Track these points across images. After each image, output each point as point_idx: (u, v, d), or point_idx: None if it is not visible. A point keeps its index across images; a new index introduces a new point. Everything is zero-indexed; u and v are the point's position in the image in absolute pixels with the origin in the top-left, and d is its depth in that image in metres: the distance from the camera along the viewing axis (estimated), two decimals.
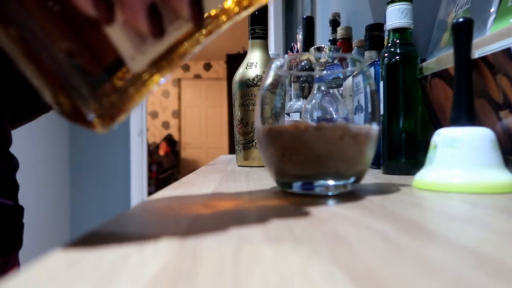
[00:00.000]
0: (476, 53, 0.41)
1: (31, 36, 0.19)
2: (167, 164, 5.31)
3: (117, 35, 0.20)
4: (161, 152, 5.38)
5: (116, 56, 0.21)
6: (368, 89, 0.33)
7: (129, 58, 0.21)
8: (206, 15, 0.23)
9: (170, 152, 5.46)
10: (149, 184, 3.13)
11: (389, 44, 0.52)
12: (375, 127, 0.32)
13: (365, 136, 0.30)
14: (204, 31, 0.23)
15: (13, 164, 0.50)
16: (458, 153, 0.33)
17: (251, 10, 0.24)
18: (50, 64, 0.19)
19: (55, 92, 0.20)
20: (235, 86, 0.71)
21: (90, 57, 0.20)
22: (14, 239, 0.48)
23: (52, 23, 0.19)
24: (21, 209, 0.49)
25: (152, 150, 5.18)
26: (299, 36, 1.25)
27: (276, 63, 0.34)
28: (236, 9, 0.24)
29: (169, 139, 5.59)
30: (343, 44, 0.89)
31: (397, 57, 0.50)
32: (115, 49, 0.21)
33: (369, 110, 0.33)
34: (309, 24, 0.95)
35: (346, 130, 0.30)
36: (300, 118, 0.64)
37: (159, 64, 0.22)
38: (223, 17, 0.24)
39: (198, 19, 0.21)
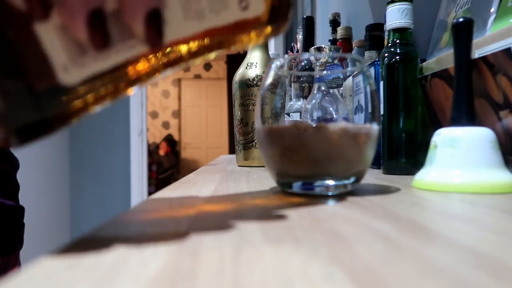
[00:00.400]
0: (476, 53, 0.41)
1: None
2: (167, 164, 5.31)
3: (51, 39, 0.17)
4: (161, 152, 5.39)
5: (45, 60, 0.17)
6: (368, 89, 0.33)
7: (60, 67, 0.17)
8: (169, 41, 0.19)
9: (170, 152, 5.46)
10: (149, 184, 3.13)
11: (389, 44, 0.52)
12: (375, 127, 0.32)
13: (365, 136, 0.30)
14: (163, 59, 0.20)
15: (14, 164, 0.50)
16: (458, 153, 0.33)
17: (220, 52, 0.22)
18: None
19: None
20: (235, 86, 0.71)
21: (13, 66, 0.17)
22: (14, 239, 0.48)
23: None
24: (21, 209, 0.49)
25: (152, 150, 5.18)
26: (299, 36, 1.25)
27: (276, 63, 0.34)
28: (208, 48, 0.21)
29: (169, 139, 5.59)
30: (343, 44, 0.89)
31: (397, 57, 0.50)
32: (45, 55, 0.17)
33: (369, 110, 0.33)
34: (309, 24, 0.95)
35: (346, 130, 0.30)
36: (300, 118, 0.64)
37: (99, 86, 0.19)
38: (187, 49, 0.21)
39: (154, 42, 0.18)
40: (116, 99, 0.20)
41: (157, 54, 0.20)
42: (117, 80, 0.19)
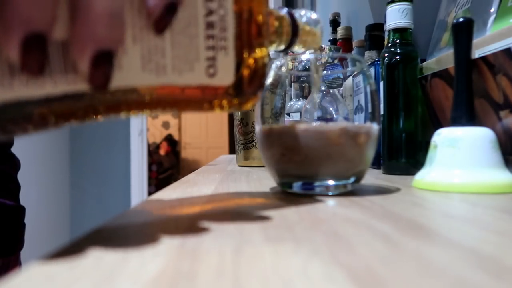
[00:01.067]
0: (476, 53, 0.41)
1: None
2: (167, 164, 5.31)
3: None
4: (162, 152, 5.38)
5: None
6: (368, 89, 0.33)
7: None
8: (117, 86, 0.18)
9: (171, 152, 5.46)
10: (149, 184, 3.13)
11: (389, 44, 0.52)
12: (375, 127, 0.32)
13: (365, 136, 0.30)
14: (102, 105, 0.18)
15: (15, 164, 0.50)
16: (458, 153, 0.33)
17: (172, 111, 0.21)
18: None
19: None
20: None
21: None
22: (15, 240, 0.48)
23: None
24: (22, 210, 0.49)
25: (152, 150, 5.18)
26: None
27: (276, 63, 0.34)
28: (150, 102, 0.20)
29: (169, 139, 5.59)
30: (343, 44, 0.89)
31: (397, 57, 0.50)
32: None
33: (369, 110, 0.33)
34: None
35: (346, 130, 0.30)
36: (300, 118, 0.64)
37: (21, 115, 0.17)
38: (136, 98, 0.19)
39: (98, 84, 0.16)
40: (43, 130, 0.18)
41: (101, 96, 0.18)
42: (41, 114, 0.17)
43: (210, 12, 0.20)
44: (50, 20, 0.15)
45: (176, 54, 0.19)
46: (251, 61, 0.22)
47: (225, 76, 0.21)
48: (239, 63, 0.21)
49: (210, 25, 0.20)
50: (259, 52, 0.22)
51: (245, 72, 0.22)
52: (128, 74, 0.18)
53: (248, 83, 0.22)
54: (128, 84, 0.18)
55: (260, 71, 0.23)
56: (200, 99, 0.21)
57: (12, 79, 0.16)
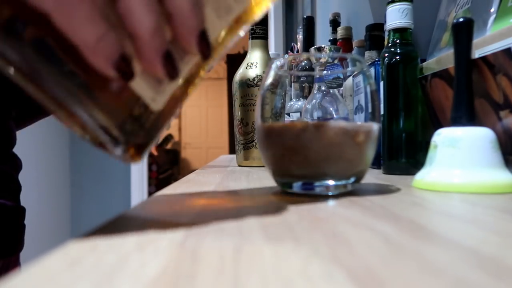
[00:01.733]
0: (476, 53, 0.41)
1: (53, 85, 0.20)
2: (167, 164, 5.32)
3: (137, 83, 0.22)
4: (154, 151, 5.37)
5: (137, 99, 0.22)
6: (368, 89, 0.33)
7: (150, 100, 0.22)
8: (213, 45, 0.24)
9: (164, 152, 5.45)
10: (149, 184, 3.13)
11: (389, 44, 0.52)
12: (375, 127, 0.32)
13: (365, 136, 0.30)
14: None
15: (16, 164, 0.49)
16: (458, 153, 0.33)
17: (248, 24, 0.26)
18: (78, 115, 0.21)
19: (82, 130, 0.22)
20: (235, 86, 0.70)
21: (113, 105, 0.22)
22: (15, 241, 0.48)
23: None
24: (22, 210, 0.49)
25: (152, 150, 5.17)
26: (299, 36, 1.25)
27: (276, 63, 0.34)
28: (236, 28, 0.25)
29: (166, 138, 5.58)
30: (343, 44, 0.89)
31: (397, 57, 0.50)
32: (137, 95, 0.22)
33: (369, 110, 0.33)
34: (309, 24, 0.95)
35: (346, 130, 0.30)
36: (300, 118, 0.64)
37: (176, 96, 0.24)
38: (226, 39, 0.25)
39: (207, 53, 0.23)
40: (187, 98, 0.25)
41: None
42: (184, 88, 0.24)
43: None
44: (166, 40, 0.21)
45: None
46: None
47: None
48: None
49: None
50: None
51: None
52: (212, 29, 0.23)
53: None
54: (215, 35, 0.24)
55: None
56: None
57: (162, 86, 0.22)
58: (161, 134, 0.25)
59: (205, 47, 0.22)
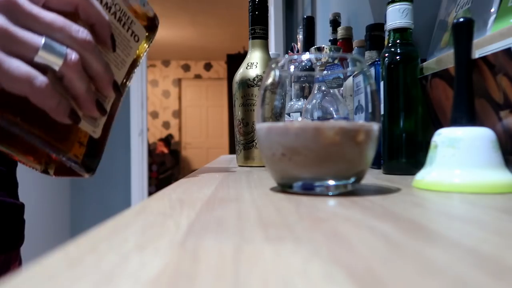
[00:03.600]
0: (477, 53, 0.41)
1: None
2: (167, 164, 5.32)
3: (82, 123, 0.33)
4: (158, 151, 5.38)
5: (85, 133, 0.34)
6: (368, 89, 0.33)
7: (92, 132, 0.35)
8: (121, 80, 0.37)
9: (168, 153, 5.46)
10: (150, 184, 3.13)
11: (390, 44, 0.52)
12: (375, 127, 0.32)
13: (365, 136, 0.30)
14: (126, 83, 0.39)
15: (13, 160, 0.50)
16: (458, 153, 0.33)
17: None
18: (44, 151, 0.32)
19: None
20: (235, 86, 0.70)
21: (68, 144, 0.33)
22: (15, 236, 0.48)
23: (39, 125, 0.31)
24: (21, 206, 0.50)
25: (152, 150, 5.18)
26: (300, 36, 1.25)
27: (276, 63, 0.34)
28: (131, 71, 0.38)
29: (165, 139, 5.59)
30: (344, 44, 0.89)
31: (398, 57, 0.50)
32: (84, 131, 0.34)
33: (370, 110, 0.33)
34: (310, 24, 0.95)
35: (346, 130, 0.30)
36: (301, 118, 0.64)
37: (107, 126, 0.37)
38: (128, 80, 0.39)
39: (120, 93, 0.36)
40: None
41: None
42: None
43: None
44: (94, 93, 0.33)
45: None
46: None
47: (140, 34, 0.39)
48: None
49: None
50: None
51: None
52: (118, 78, 0.37)
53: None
54: (120, 78, 0.38)
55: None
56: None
57: (97, 120, 0.35)
58: (103, 152, 0.36)
59: (118, 90, 0.35)
